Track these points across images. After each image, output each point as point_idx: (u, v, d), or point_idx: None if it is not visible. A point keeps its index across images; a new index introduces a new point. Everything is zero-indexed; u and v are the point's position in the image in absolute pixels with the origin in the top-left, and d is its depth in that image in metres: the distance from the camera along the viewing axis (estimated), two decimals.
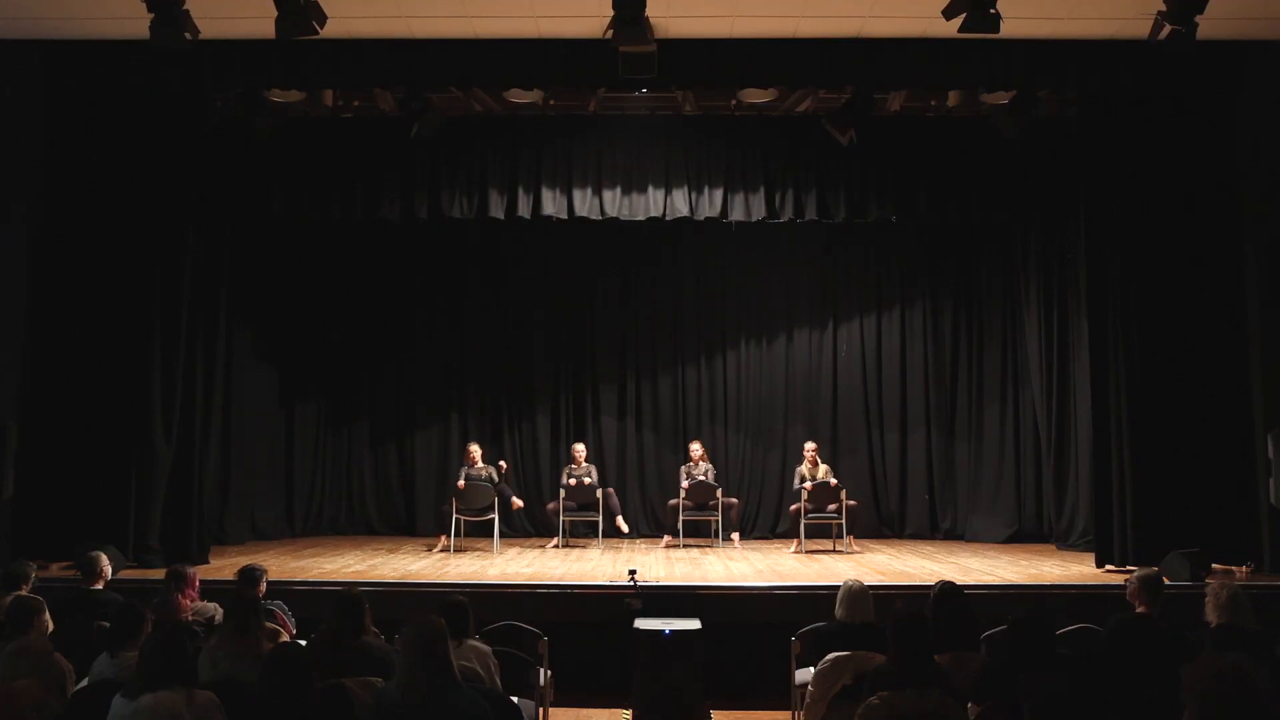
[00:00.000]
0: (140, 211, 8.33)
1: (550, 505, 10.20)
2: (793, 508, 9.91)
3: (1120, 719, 3.31)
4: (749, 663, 6.66)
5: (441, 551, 9.40)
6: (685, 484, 10.06)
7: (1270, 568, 7.85)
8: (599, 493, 10.04)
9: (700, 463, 10.31)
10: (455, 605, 4.51)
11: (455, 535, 9.54)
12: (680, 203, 9.34)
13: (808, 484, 9.73)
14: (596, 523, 10.07)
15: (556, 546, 9.88)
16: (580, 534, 10.70)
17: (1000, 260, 11.03)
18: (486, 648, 4.55)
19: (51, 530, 7.89)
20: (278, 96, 8.71)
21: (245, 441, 10.41)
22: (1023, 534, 10.57)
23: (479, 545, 9.92)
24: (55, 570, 7.27)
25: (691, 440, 10.70)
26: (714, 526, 10.09)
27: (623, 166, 9.39)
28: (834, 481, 9.77)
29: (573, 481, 10.10)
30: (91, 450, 8.09)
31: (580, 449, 10.50)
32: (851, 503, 9.68)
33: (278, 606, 5.67)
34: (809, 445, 10.22)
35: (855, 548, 9.64)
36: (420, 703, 3.38)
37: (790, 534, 10.03)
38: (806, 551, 9.47)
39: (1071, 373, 9.93)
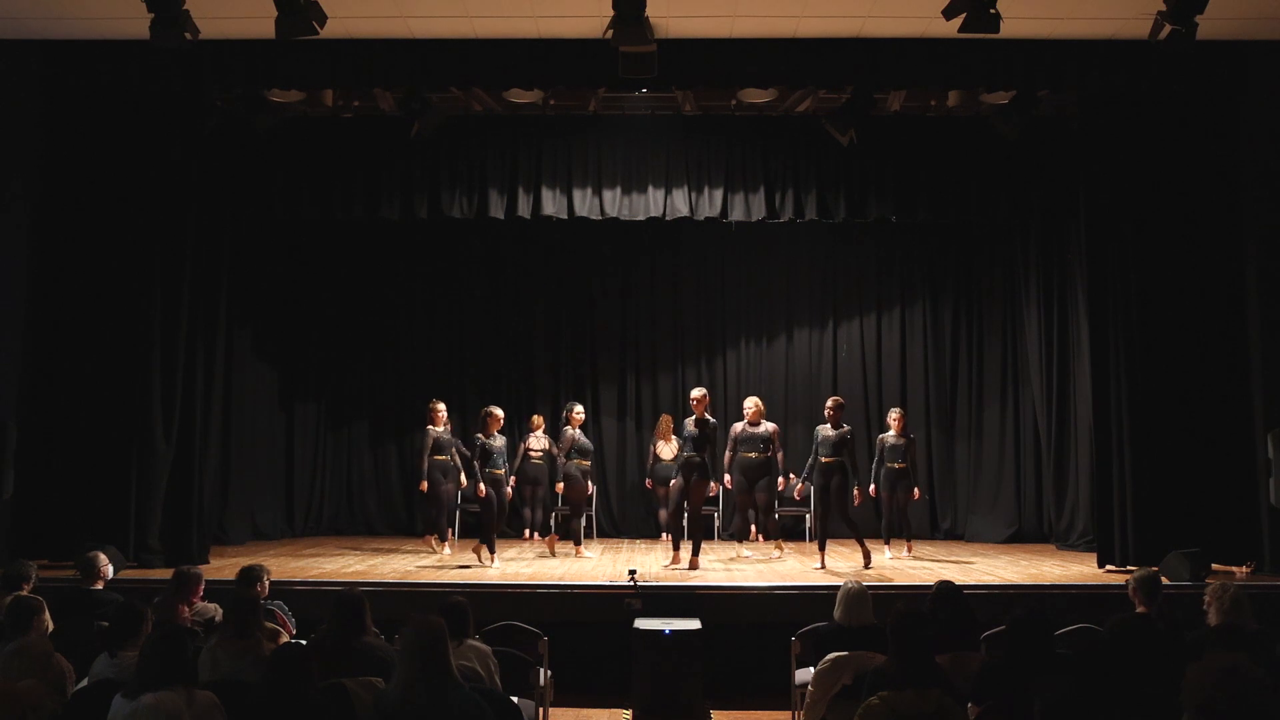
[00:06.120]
0: (140, 211, 8.33)
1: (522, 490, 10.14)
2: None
3: (1120, 719, 3.31)
4: (749, 663, 6.66)
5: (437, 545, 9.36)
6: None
7: (1270, 568, 7.85)
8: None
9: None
10: (455, 605, 4.51)
11: (455, 535, 9.55)
12: (680, 203, 9.34)
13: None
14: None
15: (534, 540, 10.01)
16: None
17: (1000, 260, 11.04)
18: (486, 648, 4.55)
19: (51, 530, 7.89)
20: (278, 96, 8.71)
21: (245, 441, 10.41)
22: (1023, 534, 10.57)
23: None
24: (55, 570, 7.26)
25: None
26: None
27: (623, 166, 9.39)
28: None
29: (535, 456, 9.93)
30: (91, 450, 8.09)
31: (537, 419, 10.29)
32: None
33: (278, 606, 5.67)
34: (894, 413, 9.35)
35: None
36: (420, 703, 3.37)
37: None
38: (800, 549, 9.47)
39: (1071, 373, 9.92)
